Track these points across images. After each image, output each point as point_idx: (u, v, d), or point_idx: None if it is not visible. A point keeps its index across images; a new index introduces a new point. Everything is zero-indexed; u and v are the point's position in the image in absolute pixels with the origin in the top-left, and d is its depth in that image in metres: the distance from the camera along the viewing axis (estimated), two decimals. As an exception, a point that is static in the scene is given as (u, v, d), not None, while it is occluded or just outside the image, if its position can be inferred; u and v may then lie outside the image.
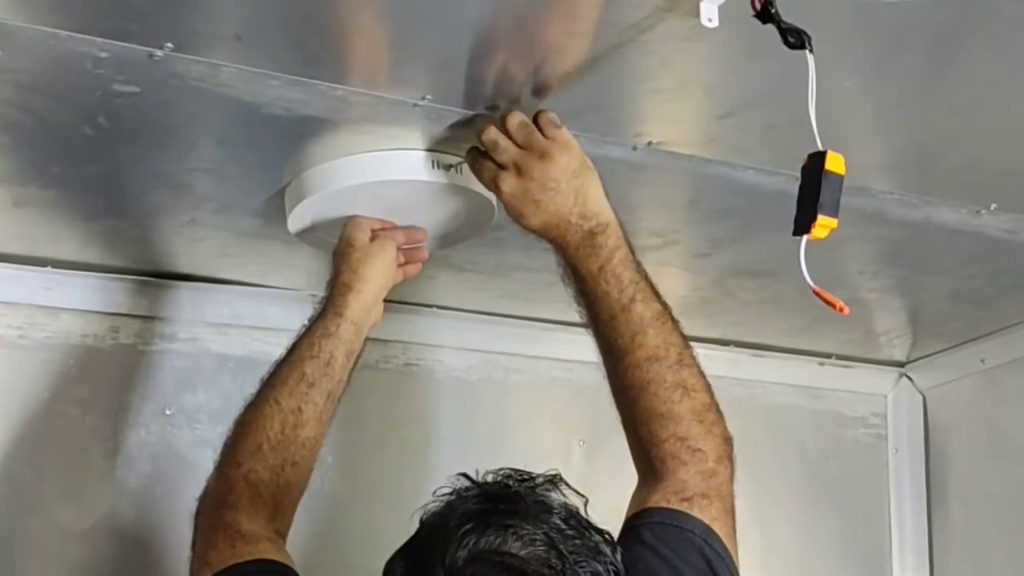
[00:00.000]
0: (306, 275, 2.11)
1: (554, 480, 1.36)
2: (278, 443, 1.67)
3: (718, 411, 1.52)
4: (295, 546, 1.42)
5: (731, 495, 1.48)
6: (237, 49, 1.42)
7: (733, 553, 1.43)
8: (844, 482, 2.64)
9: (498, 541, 1.27)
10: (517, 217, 1.60)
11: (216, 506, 1.64)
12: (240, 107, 1.53)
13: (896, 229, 1.96)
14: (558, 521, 1.30)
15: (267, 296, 2.19)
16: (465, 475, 1.35)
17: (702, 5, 1.32)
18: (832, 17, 1.36)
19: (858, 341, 2.57)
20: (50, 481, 2.06)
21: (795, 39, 1.29)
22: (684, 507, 1.43)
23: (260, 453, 1.66)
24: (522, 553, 1.26)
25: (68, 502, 2.05)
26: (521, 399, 2.39)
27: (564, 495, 1.35)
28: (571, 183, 1.56)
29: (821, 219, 1.30)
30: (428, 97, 1.54)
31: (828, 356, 2.64)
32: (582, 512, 1.35)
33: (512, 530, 1.27)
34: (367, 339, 1.80)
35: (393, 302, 1.92)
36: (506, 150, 1.57)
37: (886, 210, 1.89)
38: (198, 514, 1.66)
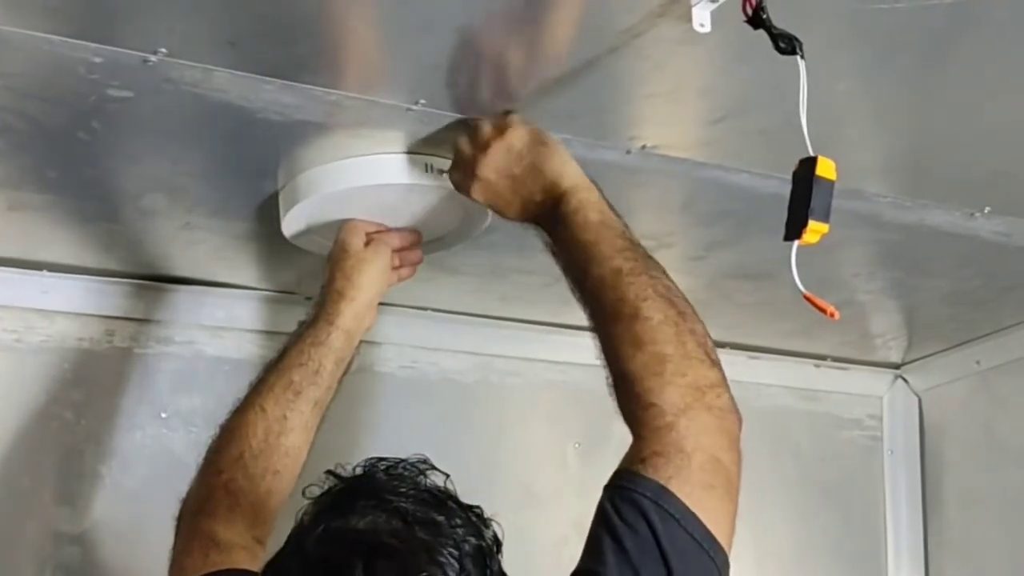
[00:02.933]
0: (301, 278, 2.11)
1: (418, 462, 1.37)
2: (260, 451, 1.67)
3: (686, 358, 1.40)
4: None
5: (704, 448, 1.36)
6: (231, 54, 1.42)
7: (703, 511, 1.33)
8: (840, 484, 2.64)
9: (344, 521, 1.28)
10: (500, 214, 1.62)
11: (194, 512, 1.65)
12: (234, 112, 1.54)
13: (890, 232, 1.96)
14: (409, 495, 1.31)
15: (262, 299, 2.19)
16: (331, 472, 1.37)
17: (694, 10, 1.32)
18: (824, 21, 1.37)
19: (854, 343, 2.57)
20: (45, 484, 2.06)
21: (786, 45, 1.29)
22: (639, 468, 1.35)
23: (241, 461, 1.67)
24: (367, 527, 1.28)
25: (63, 505, 2.06)
26: (516, 402, 2.40)
27: (427, 475, 1.36)
28: (522, 164, 1.55)
29: (812, 224, 1.30)
30: (422, 101, 1.54)
31: (824, 358, 2.64)
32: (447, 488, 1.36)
33: (358, 509, 1.29)
34: (361, 342, 1.80)
35: (388, 304, 1.92)
36: (462, 154, 1.59)
37: (880, 213, 1.89)
38: (179, 518, 1.67)
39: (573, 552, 2.24)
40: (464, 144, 1.59)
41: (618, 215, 1.54)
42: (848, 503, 2.64)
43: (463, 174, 1.60)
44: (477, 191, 1.59)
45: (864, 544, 2.63)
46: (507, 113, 1.57)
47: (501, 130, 1.56)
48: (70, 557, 2.05)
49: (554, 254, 1.57)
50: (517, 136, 1.55)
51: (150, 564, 1.97)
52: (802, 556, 2.57)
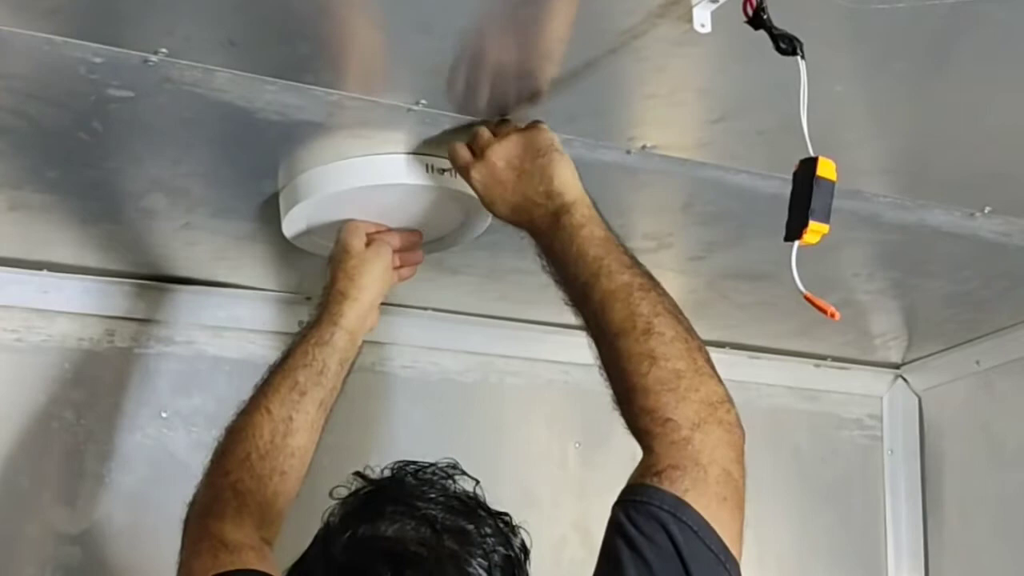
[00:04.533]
0: (301, 278, 2.11)
1: (447, 466, 1.36)
2: (267, 452, 1.67)
3: (698, 374, 1.42)
4: (288, 551, 1.42)
5: (717, 461, 1.37)
6: (231, 54, 1.42)
7: (718, 524, 1.35)
8: (839, 484, 2.64)
9: (372, 528, 1.28)
10: (489, 205, 1.62)
11: (202, 514, 1.65)
12: (234, 112, 1.54)
13: (890, 232, 1.96)
14: (438, 501, 1.31)
15: (263, 299, 2.19)
16: (359, 473, 1.36)
17: (695, 11, 1.32)
18: (824, 22, 1.37)
19: (853, 343, 2.57)
20: (45, 484, 2.06)
21: (787, 45, 1.29)
22: (655, 481, 1.35)
23: (248, 462, 1.66)
24: (395, 535, 1.27)
25: (63, 505, 2.06)
26: (517, 402, 2.40)
27: (455, 480, 1.36)
28: (535, 162, 1.56)
29: (813, 225, 1.30)
30: (423, 102, 1.55)
31: (824, 358, 2.64)
32: (477, 494, 1.36)
33: (386, 515, 1.29)
34: (363, 341, 1.80)
35: (388, 304, 1.93)
36: (479, 137, 1.59)
37: (880, 213, 1.89)
38: (186, 520, 1.67)
39: (573, 553, 2.27)
40: (483, 130, 1.59)
41: (616, 234, 1.55)
42: (848, 503, 2.64)
43: (470, 154, 1.60)
44: (477, 172, 1.59)
45: (864, 543, 2.64)
46: (537, 122, 1.58)
47: (528, 127, 1.57)
48: (70, 557, 2.05)
49: (549, 264, 1.58)
50: (539, 135, 1.56)
51: (151, 564, 1.98)
52: (802, 555, 2.58)
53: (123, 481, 2.09)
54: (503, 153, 1.57)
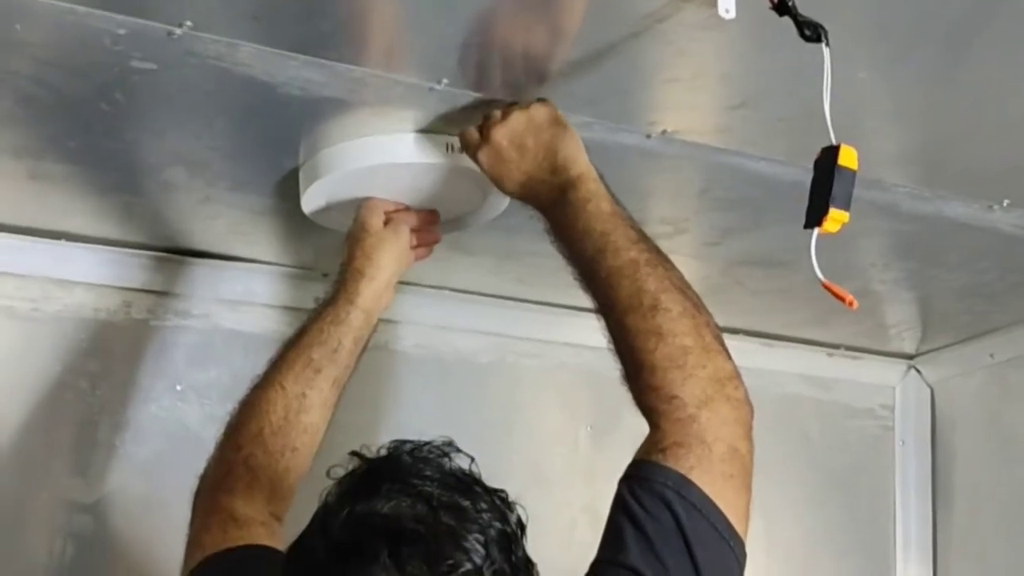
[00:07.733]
0: (318, 255, 2.12)
1: (443, 444, 1.37)
2: (280, 428, 1.68)
3: (706, 351, 1.42)
4: (299, 526, 1.43)
5: (723, 438, 1.38)
6: (255, 28, 1.43)
7: (723, 501, 1.36)
8: (850, 473, 2.64)
9: (368, 505, 1.28)
10: (498, 183, 1.62)
11: (213, 488, 1.66)
12: (257, 86, 1.54)
13: (908, 223, 1.96)
14: (434, 479, 1.30)
15: (280, 274, 2.19)
16: (355, 453, 1.37)
17: (720, -4, 1.32)
18: (848, 10, 1.37)
19: (867, 333, 2.57)
20: (59, 454, 2.07)
21: (811, 32, 1.29)
22: (660, 458, 1.36)
23: (261, 437, 1.67)
24: (391, 512, 1.27)
25: (76, 475, 2.07)
26: (531, 383, 2.40)
27: (451, 458, 1.36)
28: (539, 138, 1.56)
29: (833, 213, 1.30)
30: (444, 81, 1.55)
31: (837, 347, 2.64)
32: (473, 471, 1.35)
33: (383, 493, 1.28)
34: (378, 320, 1.81)
35: (404, 283, 1.93)
36: (488, 119, 1.59)
37: (898, 203, 1.89)
38: (197, 494, 1.68)
39: (582, 536, 2.27)
40: (493, 112, 1.59)
41: (624, 207, 1.55)
42: (857, 492, 2.65)
43: (476, 136, 1.61)
44: (484, 154, 1.60)
45: (872, 534, 2.64)
46: (541, 99, 1.58)
47: (532, 105, 1.57)
48: (82, 527, 2.06)
49: (557, 240, 1.58)
50: (540, 110, 1.57)
51: (162, 535, 1.99)
52: (811, 544, 2.58)
53: (136, 452, 2.10)
54: (506, 132, 1.57)
